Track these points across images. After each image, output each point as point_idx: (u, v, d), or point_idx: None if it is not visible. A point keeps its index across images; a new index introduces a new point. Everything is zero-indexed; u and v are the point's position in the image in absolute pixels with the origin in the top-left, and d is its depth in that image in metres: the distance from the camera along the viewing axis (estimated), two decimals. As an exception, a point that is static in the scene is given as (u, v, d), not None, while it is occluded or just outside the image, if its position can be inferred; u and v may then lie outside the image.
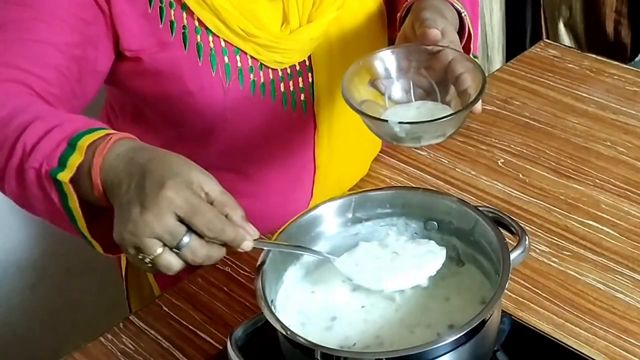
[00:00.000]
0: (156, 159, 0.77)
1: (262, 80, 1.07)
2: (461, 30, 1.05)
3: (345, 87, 0.92)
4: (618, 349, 0.97)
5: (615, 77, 1.43)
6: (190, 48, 1.02)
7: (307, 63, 1.10)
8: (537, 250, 1.11)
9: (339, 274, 0.90)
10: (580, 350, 0.96)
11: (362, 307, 0.89)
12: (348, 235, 0.95)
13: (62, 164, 0.80)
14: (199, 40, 1.02)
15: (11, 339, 1.65)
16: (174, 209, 0.74)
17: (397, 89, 0.96)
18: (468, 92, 0.90)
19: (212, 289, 1.11)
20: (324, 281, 0.92)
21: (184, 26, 1.01)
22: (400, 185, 1.23)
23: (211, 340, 1.03)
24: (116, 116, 1.17)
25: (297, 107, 1.11)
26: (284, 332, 0.79)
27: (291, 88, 1.10)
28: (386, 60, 0.97)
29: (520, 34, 2.49)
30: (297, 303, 0.91)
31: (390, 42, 1.15)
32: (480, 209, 0.91)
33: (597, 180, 1.21)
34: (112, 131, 0.82)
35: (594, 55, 1.50)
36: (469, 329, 0.78)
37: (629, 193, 1.19)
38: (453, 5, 1.03)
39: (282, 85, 1.09)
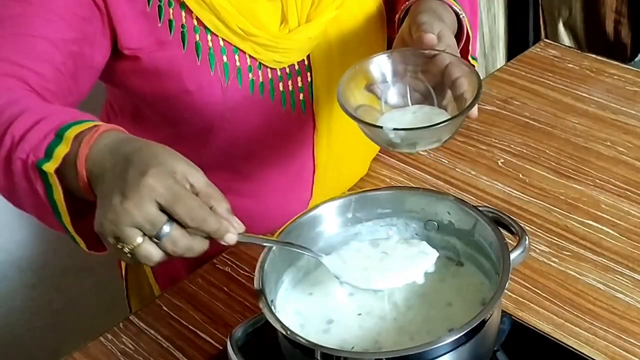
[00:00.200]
0: (141, 149, 0.76)
1: (260, 79, 1.07)
2: (460, 32, 1.05)
3: (341, 92, 0.92)
4: (618, 349, 0.97)
5: (615, 77, 1.43)
6: (189, 47, 1.02)
7: (306, 62, 1.10)
8: (537, 250, 1.11)
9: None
10: (580, 350, 0.96)
11: (359, 314, 0.89)
12: (348, 235, 0.94)
13: (48, 155, 0.80)
14: (197, 39, 1.02)
15: (11, 339, 1.65)
16: (155, 197, 0.73)
17: (393, 94, 0.96)
18: (464, 96, 0.89)
19: (212, 289, 1.11)
20: (322, 283, 0.92)
21: (182, 25, 1.01)
22: (400, 185, 1.23)
23: (211, 340, 1.03)
24: (116, 115, 1.17)
25: (296, 107, 1.11)
26: (284, 332, 0.79)
27: (290, 87, 1.10)
28: (382, 64, 0.96)
29: (522, 34, 2.49)
30: (295, 304, 0.91)
31: (390, 43, 1.15)
32: (480, 209, 0.91)
33: (597, 180, 1.21)
34: (101, 123, 0.81)
35: (594, 55, 1.50)
36: (468, 329, 0.78)
37: (629, 193, 1.19)
38: (451, 7, 1.03)
39: (281, 84, 1.09)
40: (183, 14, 1.01)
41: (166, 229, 0.74)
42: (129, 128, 0.86)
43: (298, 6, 1.06)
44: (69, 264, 1.68)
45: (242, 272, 1.12)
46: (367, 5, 1.13)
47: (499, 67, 1.61)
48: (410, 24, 0.98)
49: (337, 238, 0.94)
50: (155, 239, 0.74)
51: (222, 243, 0.77)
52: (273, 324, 0.80)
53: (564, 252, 1.10)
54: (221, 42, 1.03)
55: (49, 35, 0.94)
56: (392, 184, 1.24)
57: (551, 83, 1.43)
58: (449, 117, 0.90)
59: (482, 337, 0.80)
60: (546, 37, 2.44)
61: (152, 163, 0.74)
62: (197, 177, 0.76)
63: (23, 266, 1.63)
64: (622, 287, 1.05)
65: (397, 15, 1.08)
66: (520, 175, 1.24)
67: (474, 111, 0.90)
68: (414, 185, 1.22)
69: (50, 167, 0.79)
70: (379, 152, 1.29)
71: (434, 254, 0.89)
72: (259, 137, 1.12)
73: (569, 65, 1.48)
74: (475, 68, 1.09)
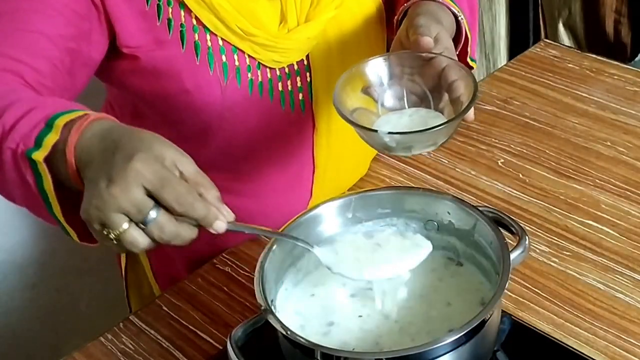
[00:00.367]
0: (130, 135, 0.75)
1: (260, 79, 1.07)
2: (458, 34, 1.05)
3: (337, 95, 0.92)
4: (618, 349, 0.97)
5: (615, 77, 1.43)
6: (188, 46, 1.02)
7: (305, 62, 1.10)
8: (537, 250, 1.11)
9: (339, 277, 0.90)
10: (580, 350, 0.96)
11: (360, 316, 0.89)
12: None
13: (38, 144, 0.79)
14: (196, 38, 1.02)
15: (11, 339, 1.65)
16: (142, 182, 0.71)
17: (390, 96, 0.95)
18: (461, 99, 0.89)
19: (212, 289, 1.11)
20: (324, 284, 0.92)
21: (181, 24, 1.01)
22: (400, 185, 1.23)
23: (211, 340, 1.03)
24: (115, 115, 1.16)
25: (295, 107, 1.11)
26: (284, 332, 0.79)
27: (289, 87, 1.10)
28: (379, 67, 0.96)
29: (524, 34, 2.49)
30: (296, 305, 0.91)
31: (389, 44, 1.15)
32: (480, 209, 0.91)
33: (597, 180, 1.21)
34: (91, 112, 0.81)
35: (594, 55, 1.50)
36: (468, 329, 0.78)
37: (629, 193, 1.19)
38: (450, 9, 1.03)
39: (280, 84, 1.09)
40: (182, 13, 1.01)
41: (153, 214, 0.72)
42: (129, 127, 0.86)
43: (297, 6, 1.06)
44: (69, 264, 1.68)
45: (242, 272, 1.12)
46: (367, 5, 1.13)
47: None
48: (408, 27, 0.98)
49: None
50: (141, 225, 0.73)
51: (211, 231, 0.75)
52: (273, 324, 0.80)
53: (564, 252, 1.10)
54: (220, 42, 1.03)
55: (46, 31, 0.93)
56: (392, 184, 1.24)
57: (551, 83, 1.43)
58: (445, 120, 0.90)
59: (482, 337, 0.80)
60: (546, 37, 2.44)
61: (139, 148, 0.73)
62: (187, 165, 0.75)
63: (23, 266, 1.63)
64: (622, 287, 1.05)
65: (395, 17, 1.08)
66: (520, 175, 1.24)
67: (470, 114, 0.90)
68: (414, 185, 1.22)
69: (39, 155, 0.78)
70: (379, 152, 1.29)
71: (427, 247, 0.88)
72: (259, 137, 1.12)
73: (569, 65, 1.48)
74: (474, 70, 1.09)
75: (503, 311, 0.93)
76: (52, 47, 0.94)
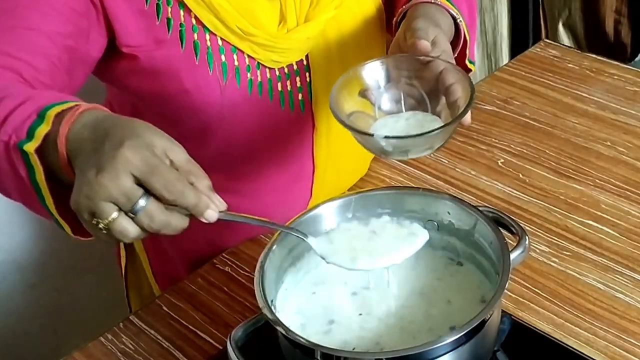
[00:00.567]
0: (120, 124, 0.74)
1: (259, 79, 1.07)
2: (457, 36, 1.05)
3: (334, 98, 0.91)
4: (618, 349, 0.97)
5: (615, 77, 1.43)
6: (187, 46, 1.02)
7: (305, 62, 1.10)
8: (537, 250, 1.11)
9: (340, 276, 0.90)
10: (580, 350, 0.96)
11: (360, 314, 0.89)
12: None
13: (30, 136, 0.78)
14: (195, 38, 1.02)
15: (11, 339, 1.65)
16: (131, 169, 0.70)
17: (387, 100, 0.95)
18: (458, 103, 0.89)
19: (212, 289, 1.11)
20: (324, 283, 0.92)
21: (181, 24, 1.01)
22: (400, 185, 1.23)
23: (211, 340, 1.03)
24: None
25: (295, 107, 1.11)
26: (284, 332, 0.79)
27: (289, 87, 1.10)
28: (376, 70, 0.96)
29: (525, 34, 2.49)
30: (297, 303, 0.91)
31: (389, 44, 1.15)
32: (480, 209, 0.91)
33: (597, 180, 1.21)
34: (83, 102, 0.80)
35: (594, 55, 1.50)
36: (469, 329, 0.78)
37: (629, 193, 1.19)
38: (448, 12, 1.03)
39: (279, 84, 1.09)
40: (182, 12, 1.01)
41: (142, 202, 0.71)
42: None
43: (297, 6, 1.06)
44: (69, 264, 1.68)
45: (242, 272, 1.12)
46: (366, 5, 1.13)
47: (502, 67, 1.61)
48: (406, 30, 0.98)
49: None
50: (131, 214, 0.72)
51: (203, 220, 0.74)
52: (273, 324, 0.80)
53: (564, 252, 1.10)
54: (219, 42, 1.03)
55: (45, 28, 0.93)
56: (392, 184, 1.24)
57: (551, 83, 1.43)
58: (442, 124, 0.90)
59: (482, 337, 0.80)
60: (547, 37, 2.44)
61: (129, 136, 0.72)
62: (178, 153, 0.74)
63: (23, 266, 1.63)
64: (622, 287, 1.05)
65: (394, 19, 1.08)
66: (520, 175, 1.24)
67: (467, 118, 0.90)
68: (414, 185, 1.22)
69: (30, 147, 0.77)
70: (379, 152, 1.29)
71: (424, 236, 0.88)
72: (258, 137, 1.12)
73: (569, 65, 1.48)
74: (473, 72, 1.09)
75: (503, 311, 0.93)
76: (50, 44, 0.94)
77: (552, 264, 1.09)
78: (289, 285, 0.92)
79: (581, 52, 1.53)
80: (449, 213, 0.93)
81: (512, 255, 0.85)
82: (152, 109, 1.09)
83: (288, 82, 1.10)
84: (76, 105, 0.79)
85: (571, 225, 1.14)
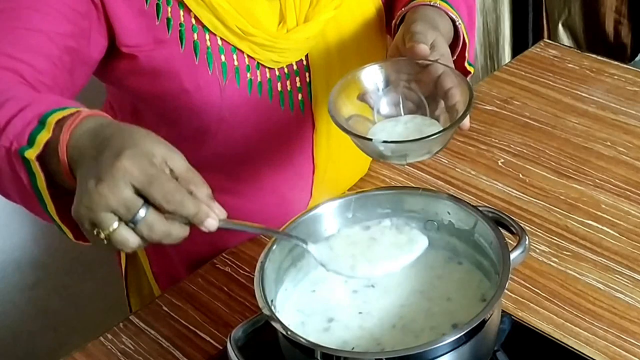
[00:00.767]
0: (120, 132, 0.74)
1: (259, 79, 1.07)
2: (456, 39, 1.05)
3: (333, 102, 0.91)
4: (618, 349, 0.97)
5: (615, 77, 1.43)
6: (187, 46, 1.02)
7: (305, 63, 1.10)
8: (537, 250, 1.11)
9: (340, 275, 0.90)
10: (580, 350, 0.96)
11: (360, 313, 0.89)
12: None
13: (31, 142, 0.78)
14: (195, 38, 1.02)
15: (11, 339, 1.65)
16: (130, 180, 0.70)
17: (386, 103, 0.95)
18: (456, 107, 0.89)
19: (212, 289, 1.11)
20: (324, 281, 0.92)
21: (180, 24, 1.01)
22: (400, 185, 1.23)
23: (211, 340, 1.03)
24: (115, 115, 1.17)
25: (294, 107, 1.11)
26: (284, 332, 0.79)
27: (288, 87, 1.10)
28: (375, 74, 0.96)
29: (524, 34, 2.49)
30: (297, 302, 0.91)
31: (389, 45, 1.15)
32: (480, 209, 0.91)
33: (597, 180, 1.22)
34: (84, 108, 0.80)
35: (594, 55, 1.50)
36: (469, 329, 0.78)
37: (629, 193, 1.19)
38: (447, 14, 1.03)
39: (279, 84, 1.09)
40: (181, 12, 1.01)
41: (142, 213, 0.71)
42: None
43: (296, 6, 1.06)
44: (69, 264, 1.68)
45: (242, 272, 1.12)
46: (366, 6, 1.13)
47: (504, 68, 1.61)
48: (404, 33, 0.98)
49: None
50: (131, 224, 0.71)
51: (203, 229, 0.74)
52: (273, 324, 0.80)
53: (564, 252, 1.10)
54: (219, 42, 1.03)
55: (45, 29, 0.93)
56: (392, 184, 1.24)
57: (551, 83, 1.43)
58: (440, 128, 0.90)
59: (482, 337, 0.80)
60: (548, 37, 2.44)
61: (127, 145, 0.71)
62: (177, 161, 0.73)
63: (23, 266, 1.63)
64: (622, 287, 1.05)
65: (393, 21, 1.08)
66: (520, 175, 1.24)
67: (466, 122, 0.90)
68: (414, 185, 1.22)
69: (31, 154, 0.77)
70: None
71: (423, 242, 0.88)
72: (258, 137, 1.12)
73: (569, 65, 1.48)
74: (474, 73, 1.09)
75: (503, 311, 0.93)
76: (51, 45, 0.93)
77: (552, 264, 1.09)
78: (289, 285, 0.92)
79: (581, 52, 1.53)
80: (449, 213, 0.93)
81: (512, 255, 0.85)
82: (152, 109, 1.09)
83: (288, 82, 1.10)
84: (77, 111, 0.79)
85: (571, 225, 1.14)
